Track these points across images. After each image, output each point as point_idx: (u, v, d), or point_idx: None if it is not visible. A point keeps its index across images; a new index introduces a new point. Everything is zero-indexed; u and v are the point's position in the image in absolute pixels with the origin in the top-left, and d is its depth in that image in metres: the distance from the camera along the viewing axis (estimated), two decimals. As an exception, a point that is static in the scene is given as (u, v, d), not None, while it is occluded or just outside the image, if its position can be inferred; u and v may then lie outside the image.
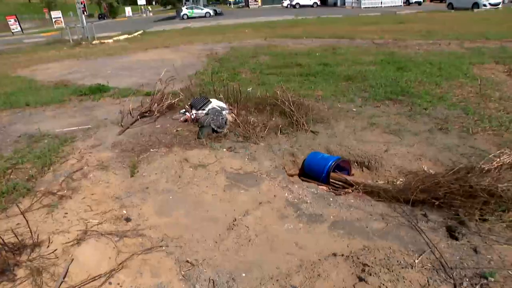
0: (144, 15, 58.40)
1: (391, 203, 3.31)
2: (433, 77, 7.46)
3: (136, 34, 23.24)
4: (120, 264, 2.64)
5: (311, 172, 4.42)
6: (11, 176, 4.27)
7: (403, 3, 42.07)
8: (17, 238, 2.79)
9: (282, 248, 2.79)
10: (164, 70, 8.01)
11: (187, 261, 2.66)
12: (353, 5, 42.84)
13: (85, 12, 25.37)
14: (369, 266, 2.40)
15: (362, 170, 4.49)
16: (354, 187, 3.92)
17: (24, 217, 2.74)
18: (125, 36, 21.94)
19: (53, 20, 39.39)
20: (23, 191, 3.86)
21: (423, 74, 7.72)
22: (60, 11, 41.17)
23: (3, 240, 2.56)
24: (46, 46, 19.96)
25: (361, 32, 16.44)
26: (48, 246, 2.82)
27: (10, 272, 2.45)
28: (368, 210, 3.23)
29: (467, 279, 2.29)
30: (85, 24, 20.79)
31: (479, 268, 2.38)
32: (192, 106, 5.81)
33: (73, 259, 2.62)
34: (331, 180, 4.16)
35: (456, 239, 2.69)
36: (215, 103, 5.74)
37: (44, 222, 3.25)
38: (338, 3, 48.44)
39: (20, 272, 2.47)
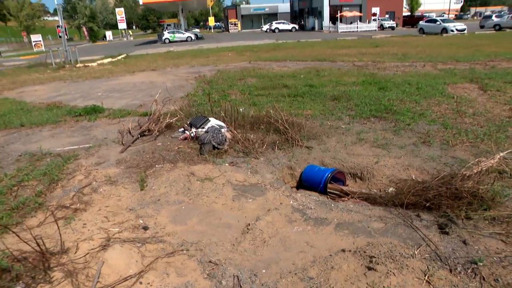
0: (125, 39, 58.88)
1: (387, 207, 3.67)
2: (412, 96, 8.06)
3: (120, 57, 23.42)
4: (147, 266, 2.85)
5: (308, 183, 4.72)
6: (18, 193, 4.38)
7: (378, 27, 44.39)
8: (44, 246, 2.96)
9: (294, 247, 3.07)
10: (159, 92, 8.33)
11: (210, 261, 2.90)
12: (330, 29, 44.81)
13: (66, 36, 25.49)
14: (375, 257, 2.72)
15: (355, 181, 4.86)
16: (350, 196, 4.27)
17: (56, 222, 2.92)
18: (109, 59, 22.09)
19: (33, 43, 39.27)
20: (34, 206, 3.98)
21: (403, 93, 8.32)
22: (40, 34, 41.02)
23: (37, 243, 2.73)
24: (28, 69, 19.81)
25: (341, 55, 17.32)
26: (75, 252, 2.99)
27: (46, 274, 2.61)
28: (367, 213, 3.57)
29: (461, 265, 2.64)
30: (67, 47, 20.88)
31: (469, 256, 2.74)
32: (191, 125, 6.09)
33: (103, 262, 2.81)
34: (328, 190, 4.49)
35: (447, 233, 3.06)
36: (214, 121, 6.04)
37: (64, 233, 3.39)
38: (316, 28, 50.45)
39: (57, 274, 2.64)
